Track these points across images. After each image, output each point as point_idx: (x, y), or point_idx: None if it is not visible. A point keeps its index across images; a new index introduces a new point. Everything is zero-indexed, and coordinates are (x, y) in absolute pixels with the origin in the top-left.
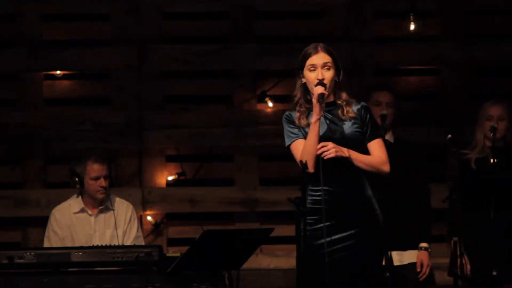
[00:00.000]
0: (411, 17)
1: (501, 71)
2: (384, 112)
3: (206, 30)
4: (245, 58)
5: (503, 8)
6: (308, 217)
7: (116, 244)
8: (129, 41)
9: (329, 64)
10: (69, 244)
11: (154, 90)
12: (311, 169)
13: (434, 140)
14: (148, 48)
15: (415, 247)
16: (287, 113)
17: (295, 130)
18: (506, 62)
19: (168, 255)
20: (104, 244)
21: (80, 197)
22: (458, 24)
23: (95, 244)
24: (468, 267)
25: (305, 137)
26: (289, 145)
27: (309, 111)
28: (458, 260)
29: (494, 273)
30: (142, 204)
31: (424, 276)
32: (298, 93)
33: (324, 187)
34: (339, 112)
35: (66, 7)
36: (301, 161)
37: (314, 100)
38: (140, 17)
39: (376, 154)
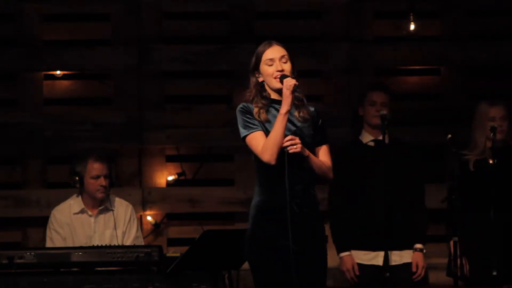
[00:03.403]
0: (411, 17)
1: (501, 71)
2: (384, 112)
3: (206, 30)
4: (245, 58)
5: (503, 8)
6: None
7: (116, 244)
8: (129, 41)
9: (286, 57)
10: (70, 244)
11: (154, 90)
12: (273, 161)
13: (434, 140)
14: (148, 48)
15: (411, 247)
16: (243, 104)
17: (255, 122)
18: (506, 62)
19: (168, 255)
20: (103, 245)
21: (80, 197)
22: (458, 24)
23: (95, 245)
24: (467, 267)
25: (264, 131)
26: (247, 135)
27: (267, 107)
28: (458, 260)
29: (494, 273)
30: (142, 204)
31: (419, 278)
32: (253, 91)
33: (284, 183)
34: (296, 113)
35: (66, 7)
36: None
37: (287, 91)
38: (140, 17)
39: (324, 159)
